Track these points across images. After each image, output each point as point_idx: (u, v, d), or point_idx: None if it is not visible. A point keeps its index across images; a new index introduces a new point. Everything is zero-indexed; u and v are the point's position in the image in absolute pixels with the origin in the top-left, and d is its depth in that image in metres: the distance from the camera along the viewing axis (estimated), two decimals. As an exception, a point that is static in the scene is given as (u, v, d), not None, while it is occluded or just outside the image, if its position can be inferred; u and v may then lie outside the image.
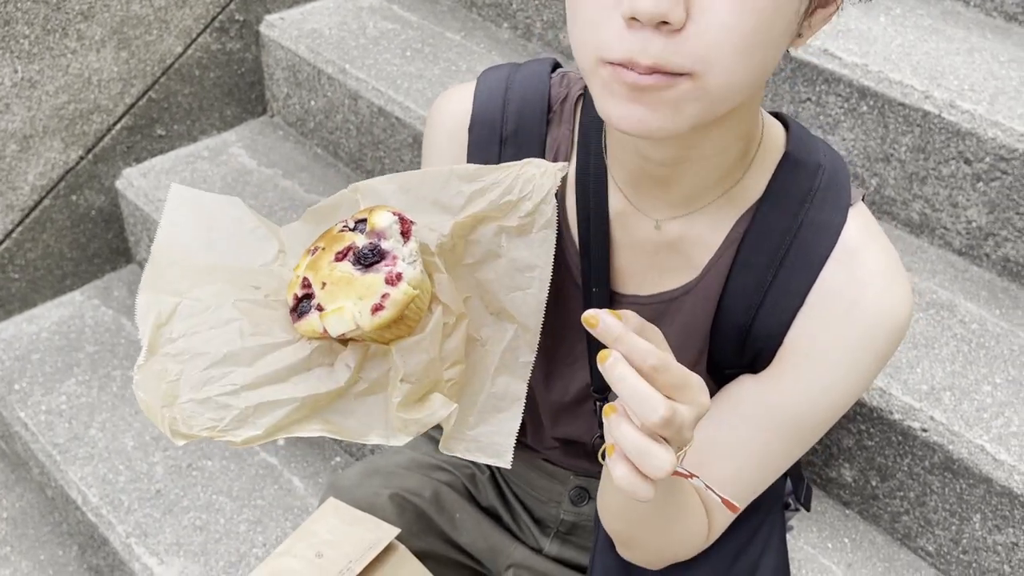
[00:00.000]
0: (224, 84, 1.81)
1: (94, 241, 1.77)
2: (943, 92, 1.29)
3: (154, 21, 1.65)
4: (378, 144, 1.69)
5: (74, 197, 1.70)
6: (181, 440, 0.57)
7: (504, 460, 0.64)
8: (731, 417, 0.78)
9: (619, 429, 0.57)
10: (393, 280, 0.60)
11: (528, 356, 0.69)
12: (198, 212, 0.66)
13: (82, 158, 1.67)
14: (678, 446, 0.59)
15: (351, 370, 0.60)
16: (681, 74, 0.58)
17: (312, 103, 1.79)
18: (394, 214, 0.63)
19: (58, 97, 1.59)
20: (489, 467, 1.04)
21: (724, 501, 0.62)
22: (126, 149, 1.73)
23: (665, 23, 0.56)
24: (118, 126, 1.69)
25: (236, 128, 1.88)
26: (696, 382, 0.59)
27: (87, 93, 1.62)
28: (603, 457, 0.65)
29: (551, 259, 0.68)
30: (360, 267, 0.61)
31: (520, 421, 0.67)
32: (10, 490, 1.64)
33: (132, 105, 1.69)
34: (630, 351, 0.57)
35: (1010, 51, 1.40)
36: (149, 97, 1.71)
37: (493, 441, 0.64)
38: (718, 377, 0.82)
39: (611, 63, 0.59)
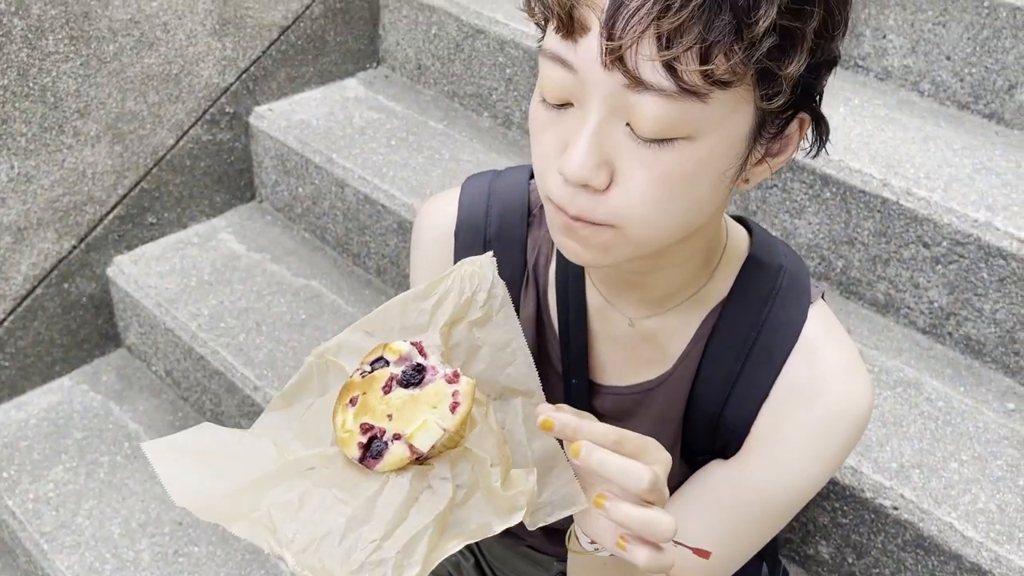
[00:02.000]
0: (214, 172, 1.87)
1: (84, 327, 1.80)
2: (900, 180, 1.36)
3: (148, 116, 1.71)
4: (364, 229, 1.75)
5: (66, 285, 1.73)
6: None
7: (581, 503, 0.68)
8: (700, 499, 0.82)
9: (619, 510, 0.61)
10: (452, 379, 0.65)
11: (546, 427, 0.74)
12: (184, 456, 0.68)
13: (74, 247, 1.71)
14: (660, 506, 0.63)
15: (449, 479, 0.64)
16: (604, 224, 0.66)
17: (300, 190, 1.85)
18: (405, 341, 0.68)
19: (53, 190, 1.64)
20: (474, 555, 1.06)
21: (695, 551, 0.65)
22: (118, 237, 1.77)
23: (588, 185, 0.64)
24: (111, 216, 1.74)
25: (225, 214, 1.93)
26: (651, 443, 0.64)
27: (81, 186, 1.67)
28: (568, 540, 0.69)
29: (519, 328, 0.74)
30: (412, 388, 0.65)
31: (569, 465, 0.71)
32: (-6, 579, 1.63)
33: (125, 195, 1.74)
34: (593, 436, 0.62)
35: (963, 139, 1.48)
36: (141, 187, 1.76)
37: (563, 495, 0.68)
38: (691, 463, 0.86)
39: (552, 202, 0.67)
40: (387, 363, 0.67)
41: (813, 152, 0.73)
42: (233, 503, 0.64)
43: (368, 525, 0.62)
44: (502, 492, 0.63)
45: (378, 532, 0.62)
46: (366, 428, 0.64)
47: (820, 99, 0.69)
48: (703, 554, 0.65)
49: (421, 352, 0.67)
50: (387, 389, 0.65)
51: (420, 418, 0.63)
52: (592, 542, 0.67)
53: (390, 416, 0.64)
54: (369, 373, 0.67)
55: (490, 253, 0.73)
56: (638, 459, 0.62)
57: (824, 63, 0.65)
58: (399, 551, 0.61)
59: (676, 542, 0.65)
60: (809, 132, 0.71)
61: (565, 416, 0.63)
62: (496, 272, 0.71)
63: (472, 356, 0.72)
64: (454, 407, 0.64)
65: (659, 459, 0.64)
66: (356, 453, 0.64)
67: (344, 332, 0.72)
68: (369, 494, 0.63)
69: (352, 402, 0.66)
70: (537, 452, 0.71)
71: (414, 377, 0.65)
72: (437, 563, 0.61)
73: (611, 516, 0.62)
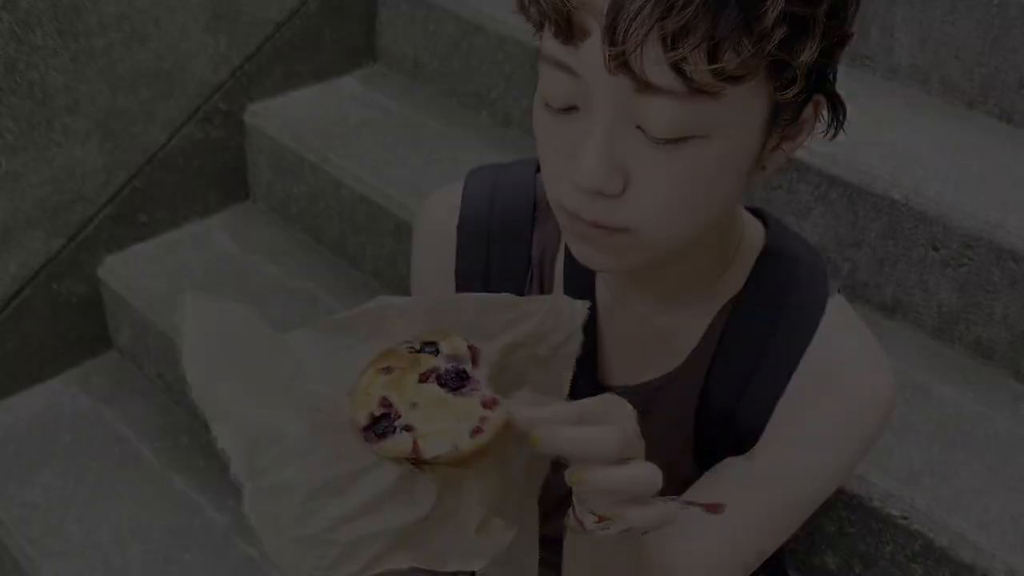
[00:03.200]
0: (207, 171, 1.84)
1: (74, 328, 1.76)
2: (909, 180, 1.33)
3: (139, 113, 1.68)
4: (360, 230, 1.72)
5: (55, 285, 1.70)
6: None
7: None
8: (710, 487, 0.79)
9: (600, 476, 0.57)
10: (490, 404, 0.60)
11: (542, 473, 0.70)
12: (218, 324, 0.65)
13: (64, 247, 1.68)
14: (641, 456, 0.60)
15: (432, 497, 0.60)
16: (619, 229, 0.63)
17: (295, 189, 1.82)
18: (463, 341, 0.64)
19: (42, 189, 1.60)
20: None
21: (707, 506, 0.62)
22: (109, 237, 1.74)
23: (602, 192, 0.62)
24: (101, 215, 1.71)
25: (219, 213, 1.90)
26: (610, 400, 0.61)
27: (71, 184, 1.64)
28: (567, 519, 0.65)
29: (567, 389, 0.70)
30: (447, 390, 0.61)
31: (536, 536, 0.67)
32: (-19, 587, 1.60)
33: (115, 194, 1.71)
34: (551, 418, 0.59)
35: (973, 138, 1.45)
36: (133, 186, 1.73)
37: (521, 563, 0.65)
38: (704, 464, 0.83)
39: (566, 210, 0.65)
40: (438, 352, 0.63)
41: (831, 134, 0.70)
42: (229, 397, 0.60)
43: (338, 500, 0.58)
44: (473, 535, 0.60)
45: (342, 511, 0.58)
46: (385, 403, 0.60)
47: (834, 78, 0.66)
48: (715, 508, 0.62)
49: (474, 360, 0.63)
50: (424, 378, 0.61)
51: (440, 424, 0.59)
52: (599, 520, 0.63)
53: (414, 405, 0.60)
54: (416, 352, 0.63)
55: (587, 303, 0.69)
56: (604, 423, 0.59)
57: (837, 42, 0.62)
58: (352, 541, 0.57)
59: (687, 501, 0.62)
60: (824, 112, 0.68)
61: (519, 411, 0.59)
62: (581, 327, 0.68)
63: (513, 387, 0.68)
64: (476, 432, 0.59)
65: (623, 414, 0.60)
66: (363, 421, 0.60)
67: (415, 298, 0.69)
68: (355, 468, 0.59)
69: (387, 370, 0.62)
70: (522, 508, 0.67)
71: (453, 382, 0.62)
72: (376, 571, 0.57)
73: (596, 486, 0.58)
